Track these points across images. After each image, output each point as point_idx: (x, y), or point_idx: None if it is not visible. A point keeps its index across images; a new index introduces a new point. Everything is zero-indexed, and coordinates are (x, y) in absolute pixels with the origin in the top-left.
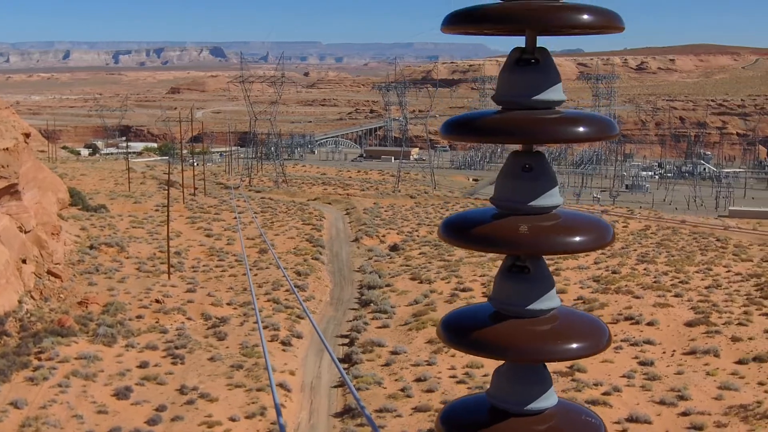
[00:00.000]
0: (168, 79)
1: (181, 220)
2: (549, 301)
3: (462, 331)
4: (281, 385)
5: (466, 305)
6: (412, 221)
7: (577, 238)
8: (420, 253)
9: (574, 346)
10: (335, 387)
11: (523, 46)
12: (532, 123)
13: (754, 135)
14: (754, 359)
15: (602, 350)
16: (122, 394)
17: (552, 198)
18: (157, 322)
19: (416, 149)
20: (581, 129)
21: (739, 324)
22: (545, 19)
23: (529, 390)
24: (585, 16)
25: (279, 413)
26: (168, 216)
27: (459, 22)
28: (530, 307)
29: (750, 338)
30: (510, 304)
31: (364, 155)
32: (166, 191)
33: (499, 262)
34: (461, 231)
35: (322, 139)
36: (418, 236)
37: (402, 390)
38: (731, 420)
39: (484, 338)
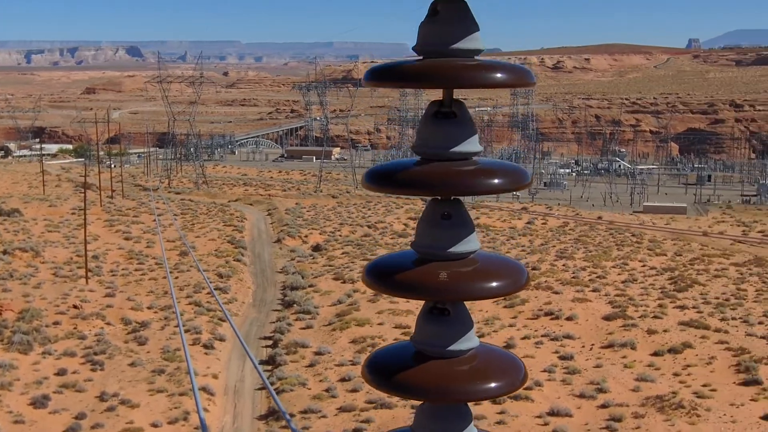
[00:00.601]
0: (83, 79)
1: (98, 223)
2: (468, 342)
3: (385, 372)
4: (204, 389)
5: (390, 344)
6: (335, 221)
7: (495, 284)
8: (343, 253)
9: (492, 385)
10: (259, 389)
11: (441, 99)
12: (451, 175)
13: (667, 132)
14: (669, 351)
15: (518, 388)
16: (40, 402)
17: (470, 244)
18: (75, 328)
19: (338, 149)
20: (496, 181)
21: (655, 317)
22: (460, 78)
23: (450, 428)
24: (498, 75)
25: (204, 427)
26: (85, 219)
27: (380, 78)
28: (450, 348)
29: (665, 330)
30: (431, 345)
31: (285, 155)
32: (83, 194)
33: None
34: (384, 277)
35: (242, 140)
36: (340, 236)
37: (326, 390)
38: (648, 411)
39: (406, 380)
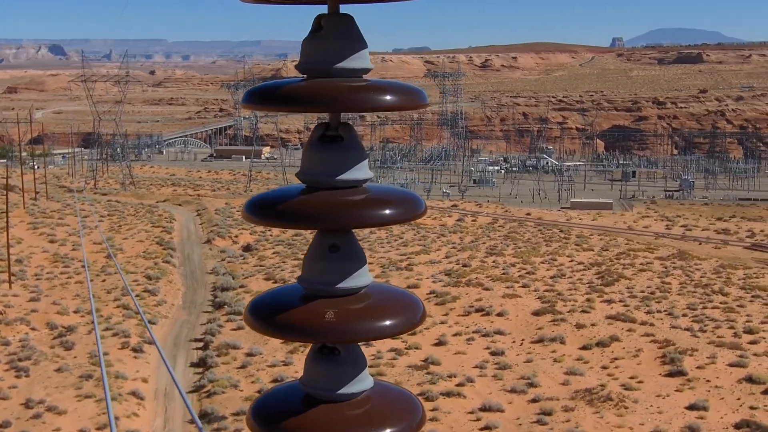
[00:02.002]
0: (4, 78)
1: (22, 226)
2: (360, 383)
3: (272, 418)
4: (134, 394)
5: (276, 386)
6: None
7: (387, 322)
8: (274, 253)
9: (387, 431)
10: (190, 392)
11: (328, 121)
12: (338, 206)
13: (592, 129)
14: (597, 344)
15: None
16: None
17: (361, 278)
18: None
19: (267, 148)
20: (388, 211)
21: (583, 311)
22: (346, 101)
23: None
24: (388, 97)
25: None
26: (7, 222)
27: (260, 101)
28: (341, 391)
29: (593, 324)
30: (320, 388)
31: (215, 155)
32: (5, 196)
33: None
34: (266, 318)
35: (170, 139)
36: (271, 236)
37: (259, 392)
38: (578, 404)
39: (294, 427)
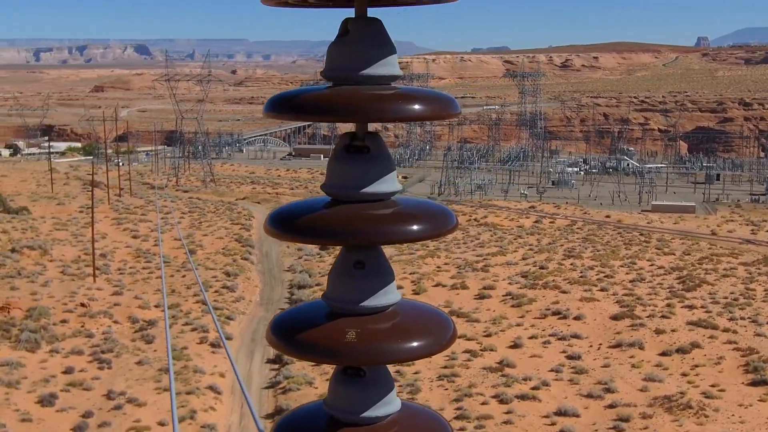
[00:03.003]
0: (91, 78)
1: (106, 221)
2: (387, 407)
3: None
4: (211, 388)
5: (301, 406)
6: None
7: (415, 344)
8: None
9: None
10: (266, 388)
11: (354, 131)
12: (363, 220)
13: (675, 131)
14: (677, 351)
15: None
16: (47, 401)
17: (387, 296)
18: (82, 327)
19: None
20: (416, 227)
21: (663, 317)
22: (372, 110)
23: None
24: (416, 107)
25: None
26: (92, 217)
27: (280, 110)
28: (365, 414)
29: (673, 330)
30: (345, 411)
31: (293, 154)
32: (91, 192)
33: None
34: (286, 336)
35: (250, 138)
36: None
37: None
38: (656, 411)
39: None
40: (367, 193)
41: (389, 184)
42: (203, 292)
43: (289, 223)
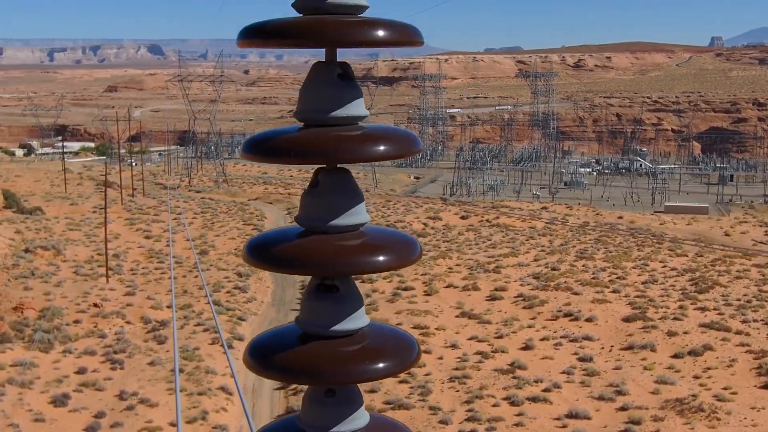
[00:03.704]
0: (105, 78)
1: (119, 221)
2: (355, 422)
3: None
4: (223, 389)
5: (274, 421)
6: None
7: (381, 365)
8: None
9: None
10: (277, 389)
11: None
12: (336, 250)
13: (688, 131)
14: (690, 353)
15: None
16: (60, 401)
17: (357, 321)
18: (95, 327)
19: None
20: (382, 257)
21: (675, 318)
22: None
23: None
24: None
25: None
26: (105, 218)
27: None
28: (335, 429)
29: (685, 332)
30: (316, 428)
31: None
32: (104, 192)
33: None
34: (264, 357)
35: None
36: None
37: None
38: (668, 414)
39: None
40: (337, 226)
41: (359, 216)
42: (208, 295)
43: (263, 253)
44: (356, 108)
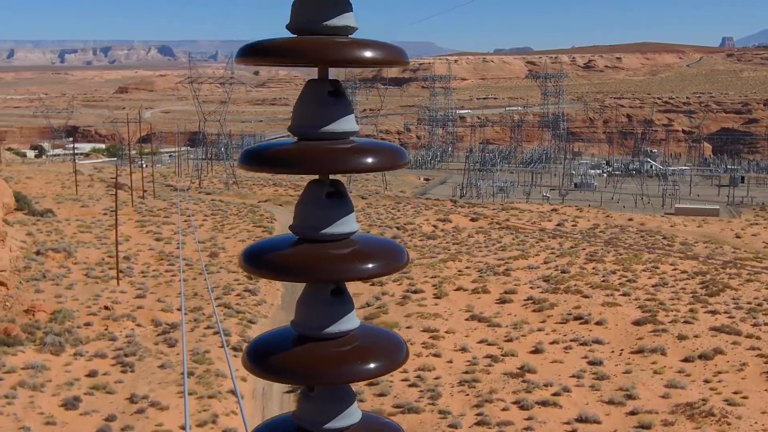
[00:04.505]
0: (116, 79)
1: (130, 223)
2: (348, 419)
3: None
4: (233, 392)
5: (271, 419)
6: (364, 222)
7: (371, 365)
8: None
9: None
10: (288, 392)
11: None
12: (328, 258)
13: (699, 132)
14: (700, 357)
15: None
16: (71, 404)
17: (347, 323)
18: (106, 330)
19: None
20: (371, 265)
21: (686, 322)
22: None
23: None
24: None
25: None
26: (116, 220)
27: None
28: (328, 426)
29: (696, 336)
30: (311, 423)
31: None
32: (114, 194)
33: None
34: (261, 359)
35: (273, 139)
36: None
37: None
38: (678, 418)
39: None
40: (329, 234)
41: (350, 225)
42: (211, 298)
43: (258, 260)
44: (347, 123)
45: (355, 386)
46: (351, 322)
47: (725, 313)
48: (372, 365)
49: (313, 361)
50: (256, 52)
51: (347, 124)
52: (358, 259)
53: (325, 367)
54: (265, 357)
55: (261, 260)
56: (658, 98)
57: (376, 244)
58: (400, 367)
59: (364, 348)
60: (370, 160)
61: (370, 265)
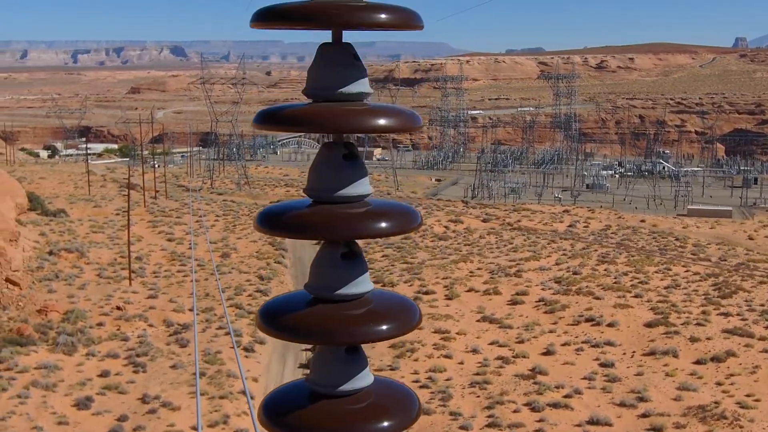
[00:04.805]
0: (128, 79)
1: (142, 224)
2: (361, 381)
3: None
4: (244, 393)
5: (284, 384)
6: None
7: (384, 327)
8: (383, 256)
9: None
10: None
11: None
12: (342, 217)
13: (712, 133)
14: (712, 359)
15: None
16: (83, 404)
17: (362, 285)
18: (118, 330)
19: (379, 149)
20: (384, 224)
21: (698, 324)
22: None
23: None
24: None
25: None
26: (128, 220)
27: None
28: (343, 387)
29: (708, 338)
30: (324, 386)
31: None
32: (127, 194)
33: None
34: (275, 319)
35: (284, 140)
36: (380, 239)
37: None
38: (690, 421)
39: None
40: (343, 196)
41: (364, 187)
42: (223, 301)
43: (275, 221)
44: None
45: None
46: (364, 285)
47: (738, 315)
48: (384, 327)
49: (325, 322)
50: (270, 17)
51: (361, 86)
52: (372, 218)
53: (337, 328)
54: (278, 316)
55: (278, 220)
56: (671, 99)
57: (389, 206)
58: (411, 330)
59: (376, 311)
60: (382, 121)
61: (384, 224)
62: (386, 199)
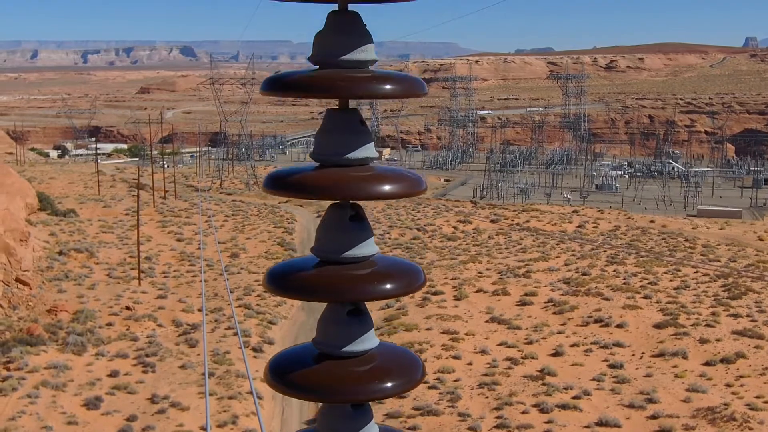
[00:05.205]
0: (138, 79)
1: (151, 224)
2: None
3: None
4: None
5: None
6: (384, 223)
7: (389, 384)
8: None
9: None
10: None
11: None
12: (349, 279)
13: (722, 133)
14: (722, 361)
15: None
16: (92, 404)
17: (367, 342)
18: (127, 330)
19: (388, 149)
20: (390, 285)
21: (707, 325)
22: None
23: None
24: (388, 86)
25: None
26: (138, 221)
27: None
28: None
29: (717, 340)
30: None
31: None
32: (136, 195)
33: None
34: (282, 375)
35: (293, 140)
36: (389, 239)
37: None
38: (699, 423)
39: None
40: (350, 257)
41: (369, 248)
42: (231, 302)
43: (283, 281)
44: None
45: None
46: (370, 341)
47: (747, 316)
48: (389, 384)
49: (331, 380)
50: (282, 86)
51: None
52: (378, 279)
53: (343, 386)
54: (285, 373)
55: (284, 281)
56: (681, 99)
57: (395, 265)
58: (416, 385)
59: (382, 367)
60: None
61: (389, 286)
62: (391, 256)
